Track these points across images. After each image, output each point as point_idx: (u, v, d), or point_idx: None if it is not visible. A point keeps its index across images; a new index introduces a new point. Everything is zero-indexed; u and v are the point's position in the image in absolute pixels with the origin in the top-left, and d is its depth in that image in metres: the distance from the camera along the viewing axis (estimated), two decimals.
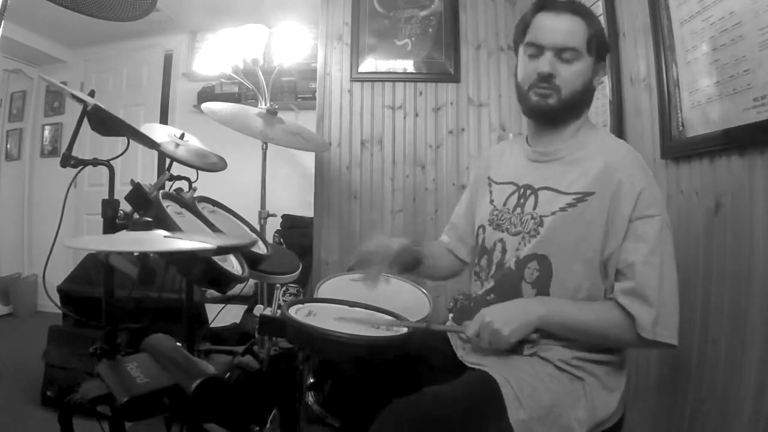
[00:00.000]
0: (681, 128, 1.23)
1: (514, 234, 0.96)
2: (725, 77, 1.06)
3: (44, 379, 2.06)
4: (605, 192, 0.86)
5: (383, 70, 2.42)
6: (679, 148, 1.26)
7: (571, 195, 0.90)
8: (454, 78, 2.40)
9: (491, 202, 1.06)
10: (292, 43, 2.22)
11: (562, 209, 0.90)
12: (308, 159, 2.51)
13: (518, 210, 0.98)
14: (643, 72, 1.43)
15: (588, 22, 0.94)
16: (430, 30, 2.42)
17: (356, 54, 2.42)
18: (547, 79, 0.92)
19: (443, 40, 2.41)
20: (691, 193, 1.22)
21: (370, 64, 2.42)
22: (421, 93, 2.43)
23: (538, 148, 1.01)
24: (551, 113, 0.95)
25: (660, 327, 0.81)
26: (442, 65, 2.41)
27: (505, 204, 1.02)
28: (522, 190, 0.99)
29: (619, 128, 1.54)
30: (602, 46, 0.96)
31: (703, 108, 1.14)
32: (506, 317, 0.87)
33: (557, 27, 0.92)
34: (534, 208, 0.95)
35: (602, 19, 1.60)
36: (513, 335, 0.86)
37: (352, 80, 2.43)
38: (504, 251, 0.98)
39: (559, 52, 0.92)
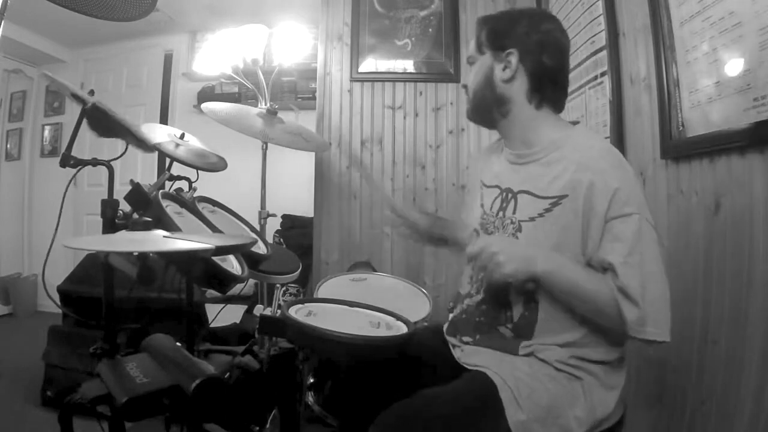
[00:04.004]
0: (681, 128, 1.23)
1: None
2: (725, 77, 1.06)
3: (44, 379, 2.06)
4: (578, 194, 0.85)
5: (383, 70, 2.42)
6: (679, 148, 1.25)
7: (547, 199, 0.90)
8: (454, 78, 2.41)
9: (482, 206, 1.06)
10: (292, 43, 2.22)
11: (540, 215, 0.90)
12: (308, 159, 2.50)
13: (501, 214, 0.98)
14: (643, 72, 1.43)
15: (480, 29, 0.99)
16: (430, 30, 2.42)
17: (356, 54, 2.42)
18: (465, 90, 1.05)
19: (443, 40, 2.41)
20: (691, 193, 1.22)
21: (370, 64, 2.42)
22: (421, 93, 2.43)
23: (514, 150, 1.01)
24: (469, 116, 1.06)
25: (649, 326, 0.80)
26: (442, 65, 2.41)
27: (491, 208, 1.02)
28: (504, 194, 1.00)
29: (619, 128, 1.54)
30: (491, 36, 0.97)
31: (703, 108, 1.14)
32: (512, 254, 0.85)
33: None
34: (514, 212, 0.95)
35: (602, 19, 1.60)
36: (511, 274, 0.84)
37: (352, 80, 2.43)
38: None
39: (468, 62, 1.04)
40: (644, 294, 0.80)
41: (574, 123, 1.18)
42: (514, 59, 0.94)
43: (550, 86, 0.96)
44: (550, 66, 0.95)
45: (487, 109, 1.00)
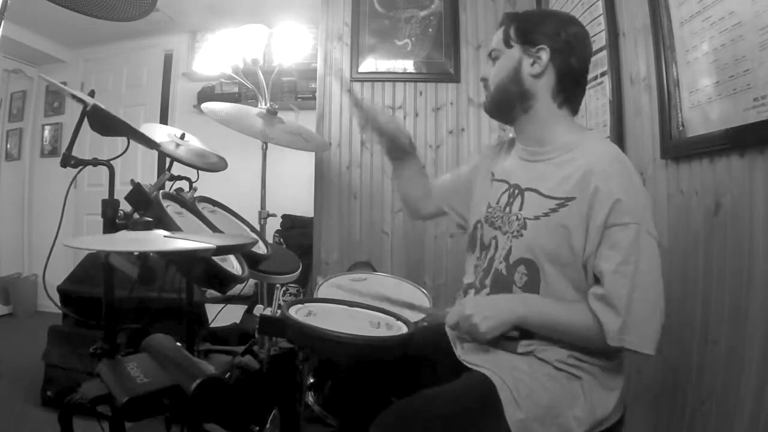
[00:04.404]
0: (681, 128, 1.23)
1: (504, 233, 0.98)
2: (725, 77, 1.06)
3: (44, 379, 2.06)
4: (584, 197, 0.86)
5: (383, 70, 2.42)
6: (679, 148, 1.26)
7: (554, 200, 0.90)
8: (454, 78, 2.41)
9: (488, 198, 1.06)
10: (292, 43, 2.22)
11: (545, 214, 0.90)
12: (308, 159, 2.51)
13: (508, 209, 0.99)
14: (643, 72, 1.43)
15: (508, 24, 0.99)
16: (430, 30, 2.42)
17: (356, 54, 2.42)
18: (484, 83, 1.04)
19: (443, 40, 2.41)
20: (691, 193, 1.22)
21: (370, 64, 2.42)
22: (421, 93, 2.43)
23: (528, 147, 1.01)
24: (487, 109, 1.05)
25: (629, 335, 0.80)
26: (442, 65, 2.41)
27: (498, 202, 1.02)
28: (512, 189, 1.00)
29: (619, 128, 1.54)
30: (521, 30, 0.97)
31: (703, 108, 1.14)
32: (485, 312, 0.88)
33: (492, 39, 1.03)
34: (519, 209, 0.96)
35: (602, 19, 1.60)
36: (489, 332, 0.87)
37: (352, 80, 2.43)
38: (497, 249, 0.99)
39: (490, 56, 1.02)
40: (630, 304, 0.80)
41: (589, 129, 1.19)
42: (545, 55, 0.94)
43: (574, 87, 0.98)
44: (577, 68, 0.96)
45: (510, 103, 0.99)
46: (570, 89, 0.97)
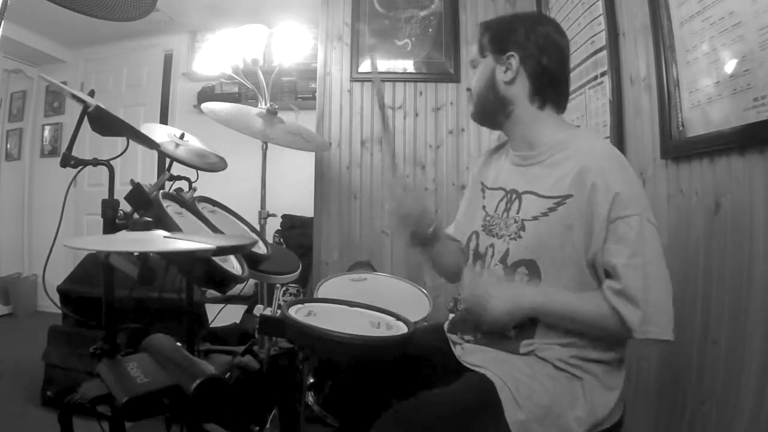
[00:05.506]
0: (681, 128, 1.23)
1: (500, 237, 0.98)
2: (725, 77, 1.06)
3: (44, 379, 2.06)
4: (581, 195, 0.87)
5: (383, 70, 2.42)
6: (679, 148, 1.26)
7: (551, 199, 0.91)
8: (454, 78, 2.41)
9: (483, 208, 1.07)
10: (292, 43, 2.22)
11: (544, 214, 0.91)
12: (308, 159, 2.51)
13: (506, 215, 0.99)
14: (643, 72, 1.43)
15: (482, 33, 1.02)
16: (430, 30, 2.42)
17: (356, 54, 2.42)
18: (469, 93, 1.08)
19: (443, 40, 2.41)
20: (691, 193, 1.22)
21: (370, 64, 2.42)
22: (421, 93, 2.43)
23: (519, 152, 1.02)
24: (474, 118, 1.08)
25: (650, 325, 0.81)
26: (442, 65, 2.41)
27: (496, 210, 1.03)
28: (509, 195, 1.01)
29: (619, 128, 1.54)
30: (492, 39, 0.99)
31: (703, 108, 1.14)
32: (499, 297, 0.89)
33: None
34: (517, 212, 0.96)
35: (602, 19, 1.60)
36: (499, 318, 0.89)
37: (352, 80, 2.43)
38: (493, 254, 0.99)
39: (472, 66, 1.06)
40: (646, 294, 0.81)
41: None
42: (514, 61, 0.96)
43: (550, 87, 0.98)
44: (550, 67, 0.97)
45: (492, 110, 1.02)
46: (547, 90, 0.98)
